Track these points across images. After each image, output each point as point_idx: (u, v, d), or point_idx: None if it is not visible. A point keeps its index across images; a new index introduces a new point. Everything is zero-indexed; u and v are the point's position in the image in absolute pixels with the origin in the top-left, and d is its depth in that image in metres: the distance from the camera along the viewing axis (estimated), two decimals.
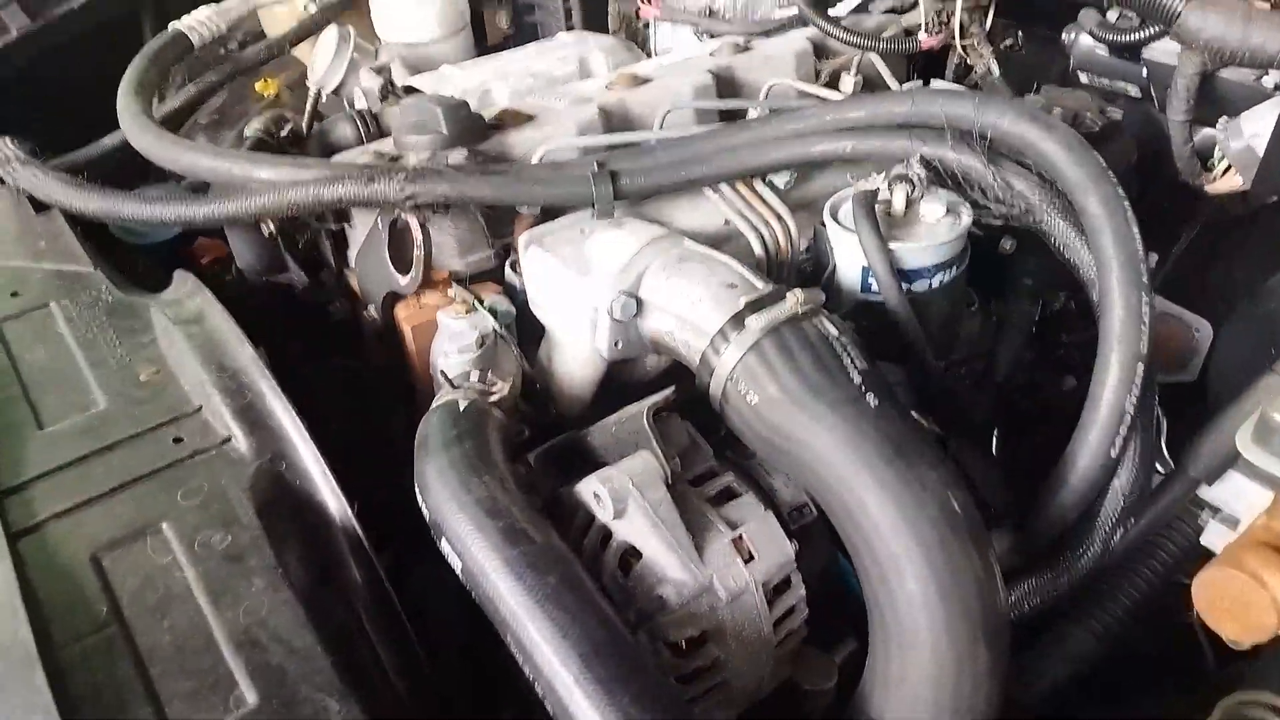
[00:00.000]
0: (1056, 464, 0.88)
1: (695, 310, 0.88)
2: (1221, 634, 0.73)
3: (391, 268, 1.04)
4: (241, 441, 0.87)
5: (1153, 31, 1.11)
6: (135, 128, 1.14)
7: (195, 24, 1.38)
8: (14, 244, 1.09)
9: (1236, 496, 0.81)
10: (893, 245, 0.93)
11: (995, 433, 1.15)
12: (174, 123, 1.56)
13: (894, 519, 0.72)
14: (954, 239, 0.94)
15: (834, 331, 0.82)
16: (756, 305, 0.84)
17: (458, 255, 1.09)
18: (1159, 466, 0.96)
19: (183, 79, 1.47)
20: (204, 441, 0.87)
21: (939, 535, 0.71)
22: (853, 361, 0.80)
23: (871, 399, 0.78)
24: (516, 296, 1.07)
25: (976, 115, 0.92)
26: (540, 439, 0.92)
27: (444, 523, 0.78)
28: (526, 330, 1.06)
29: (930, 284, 0.96)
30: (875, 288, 0.95)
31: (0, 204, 1.14)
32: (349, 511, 0.84)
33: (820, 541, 0.87)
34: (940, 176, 0.97)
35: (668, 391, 0.87)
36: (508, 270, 1.09)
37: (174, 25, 1.37)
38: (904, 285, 0.94)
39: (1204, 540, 0.84)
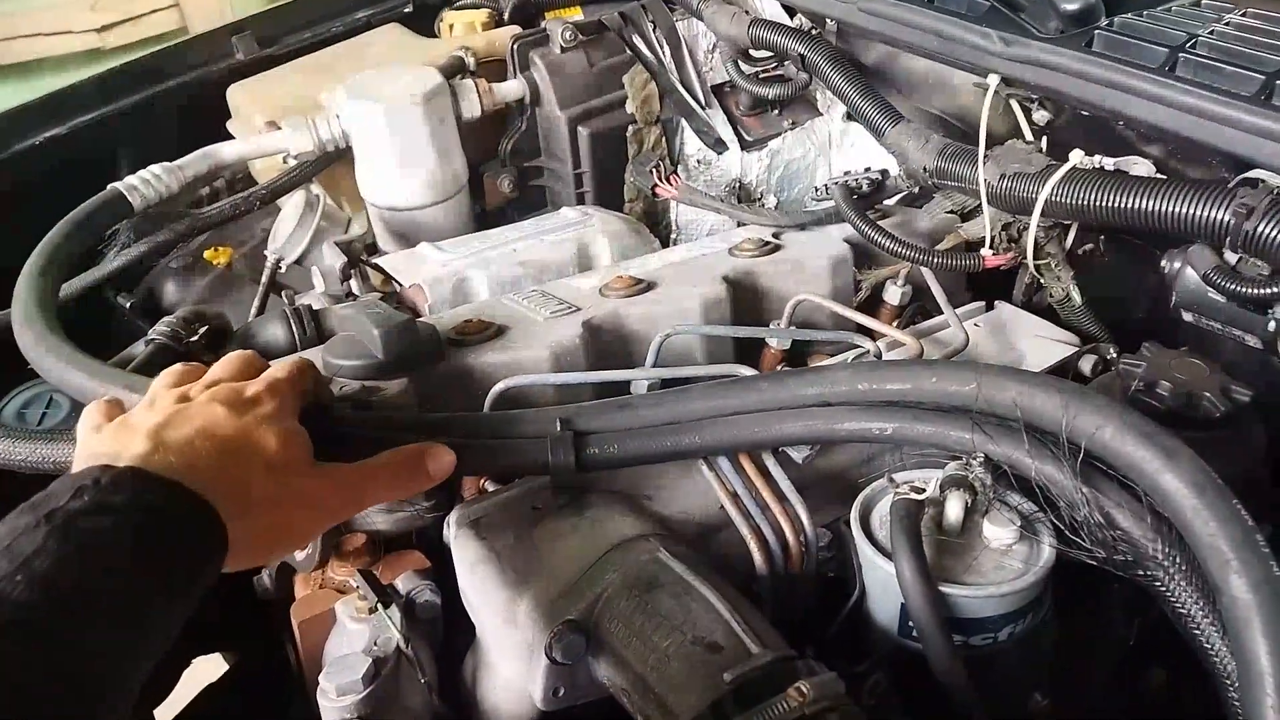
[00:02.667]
0: None
1: (660, 677, 0.62)
2: None
3: None
4: None
5: None
6: (21, 320, 0.94)
7: (139, 183, 1.20)
8: None
9: None
10: (945, 588, 0.67)
11: None
12: (124, 279, 1.40)
13: None
14: (1029, 584, 0.68)
15: None
16: (745, 695, 0.59)
17: (381, 510, 0.86)
18: None
19: (128, 238, 1.29)
20: None
21: None
22: None
23: None
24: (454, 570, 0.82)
25: (1064, 417, 0.67)
26: None
27: None
28: (461, 618, 0.82)
29: (996, 637, 0.70)
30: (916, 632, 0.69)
31: None
32: None
33: None
34: (1013, 479, 0.72)
35: None
36: (447, 529, 0.85)
37: (114, 185, 1.19)
38: (960, 638, 0.68)
39: None
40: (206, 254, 1.35)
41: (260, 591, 0.87)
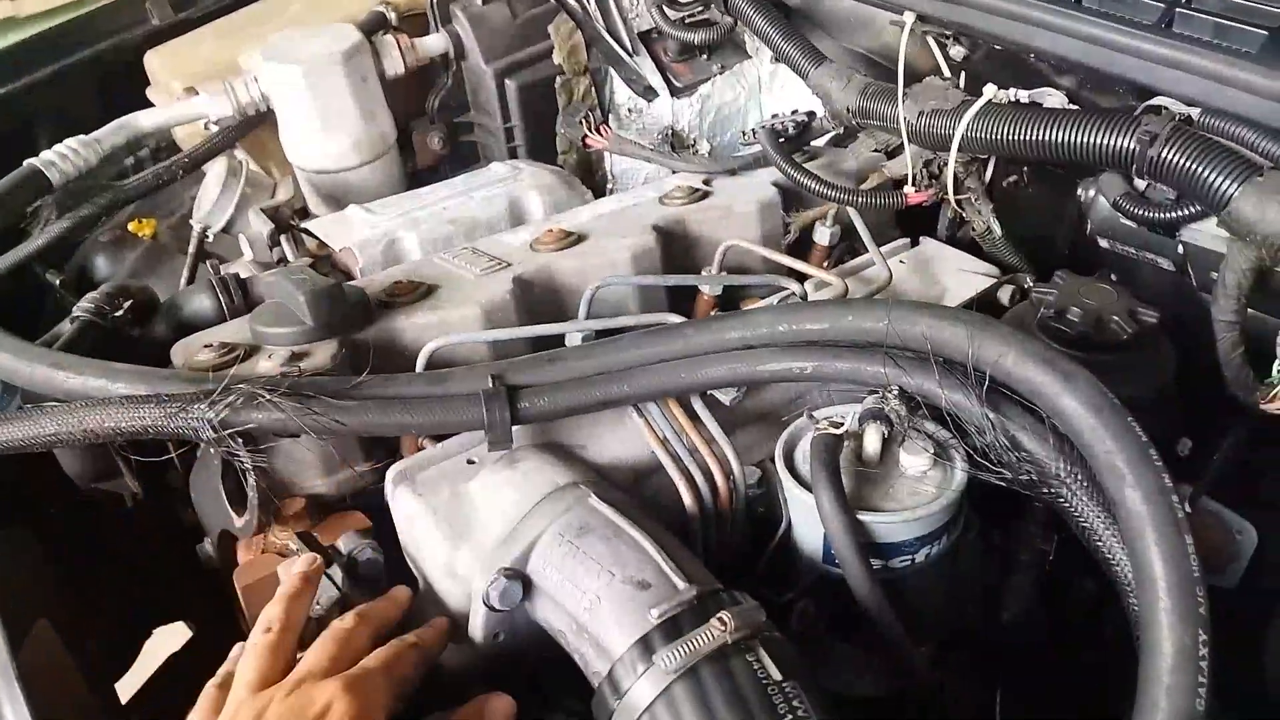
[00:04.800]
0: None
1: (593, 617, 0.65)
2: None
3: (227, 503, 0.82)
4: None
5: (1193, 210, 0.89)
6: None
7: (57, 158, 1.17)
8: None
9: None
10: (863, 515, 0.70)
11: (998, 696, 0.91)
12: (52, 255, 1.37)
13: None
14: (941, 508, 0.71)
15: (775, 674, 0.59)
16: (671, 628, 0.61)
17: (321, 474, 0.87)
18: None
19: (49, 215, 1.26)
20: None
21: None
22: None
23: None
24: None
25: (970, 346, 0.69)
26: None
27: None
28: (407, 573, 0.84)
29: (914, 559, 0.73)
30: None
31: None
32: None
33: None
34: (928, 409, 0.75)
35: None
36: (387, 488, 0.86)
37: (30, 161, 1.17)
38: (879, 562, 0.72)
39: None
40: (131, 226, 1.33)
41: (204, 560, 0.88)
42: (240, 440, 0.75)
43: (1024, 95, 1.02)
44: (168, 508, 0.96)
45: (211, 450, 0.81)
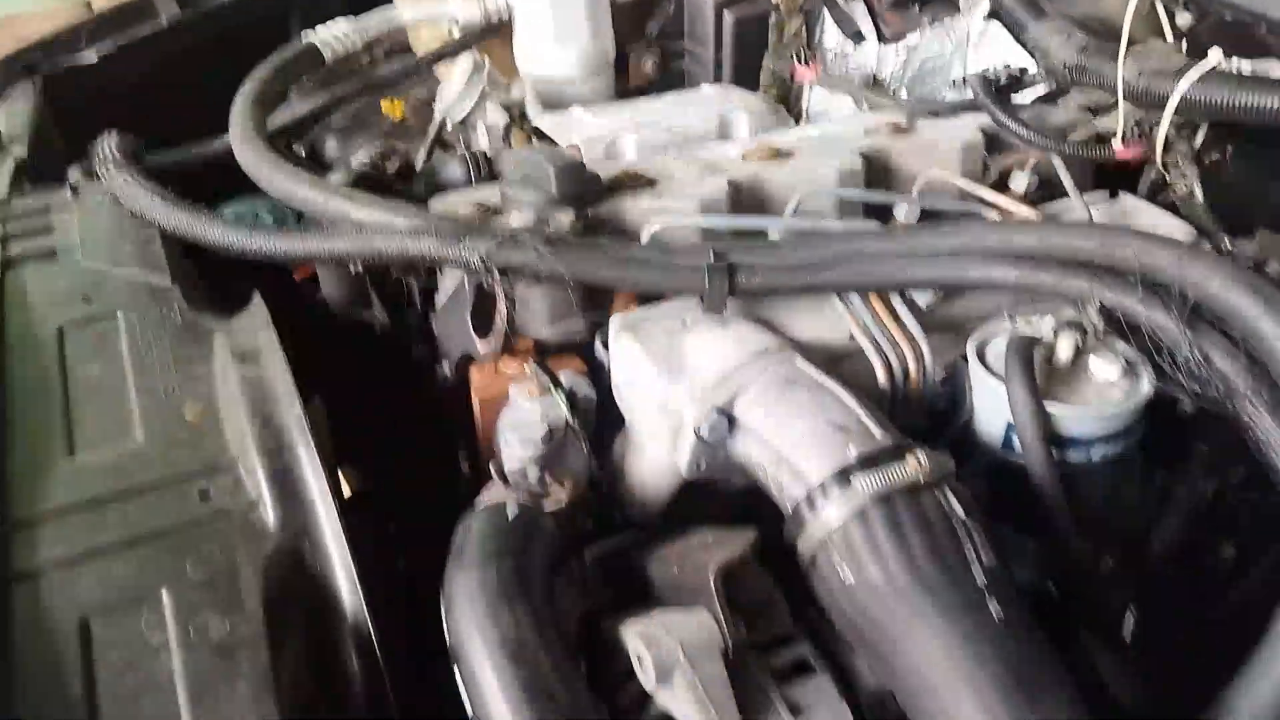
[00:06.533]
0: None
1: (796, 451, 0.74)
2: None
3: (471, 330, 0.94)
4: (268, 509, 0.79)
5: None
6: (242, 140, 1.09)
7: (330, 38, 1.33)
8: (101, 246, 1.04)
9: None
10: (1050, 406, 0.76)
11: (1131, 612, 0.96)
12: (295, 130, 1.54)
13: None
14: (1127, 411, 0.77)
15: (960, 512, 0.67)
16: (869, 461, 0.70)
17: (547, 322, 0.98)
18: None
19: (312, 85, 1.43)
20: (231, 501, 0.80)
21: None
22: (978, 555, 0.65)
23: (995, 608, 0.62)
24: (603, 376, 0.95)
25: (1178, 270, 0.74)
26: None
27: (461, 654, 0.68)
28: (608, 413, 0.95)
29: (1090, 456, 0.79)
30: (1019, 448, 0.79)
31: (100, 202, 1.10)
32: (364, 611, 0.75)
33: None
34: (1121, 328, 0.80)
35: (744, 545, 0.73)
36: (598, 344, 0.97)
37: (307, 37, 1.33)
38: (1057, 453, 0.78)
39: None
40: (383, 105, 1.48)
41: (440, 380, 1.01)
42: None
43: (1247, 66, 1.04)
44: (404, 343, 1.10)
45: (467, 284, 0.94)
